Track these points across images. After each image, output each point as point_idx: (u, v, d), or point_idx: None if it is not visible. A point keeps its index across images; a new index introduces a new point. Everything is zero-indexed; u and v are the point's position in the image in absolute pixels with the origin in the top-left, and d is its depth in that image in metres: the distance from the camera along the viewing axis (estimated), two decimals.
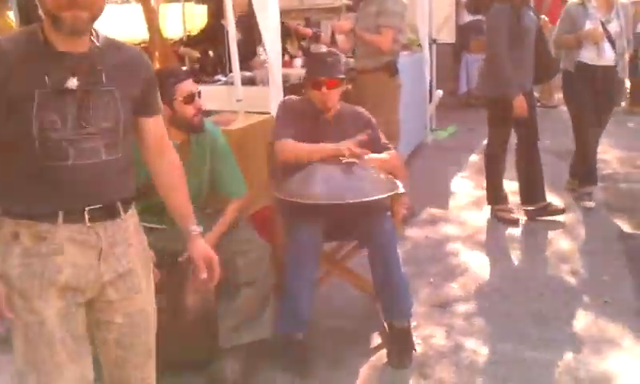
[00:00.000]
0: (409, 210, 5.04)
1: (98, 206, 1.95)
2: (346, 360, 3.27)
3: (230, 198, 3.18)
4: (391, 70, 4.92)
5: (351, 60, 5.23)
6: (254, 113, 4.23)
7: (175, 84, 2.99)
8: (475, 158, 6.61)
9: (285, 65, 5.47)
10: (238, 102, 4.22)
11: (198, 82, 4.72)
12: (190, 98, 3.02)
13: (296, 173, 3.22)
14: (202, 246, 2.33)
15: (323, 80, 3.34)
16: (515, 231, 4.79)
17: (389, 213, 3.33)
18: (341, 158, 3.23)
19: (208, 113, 4.10)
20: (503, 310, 3.67)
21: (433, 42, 7.30)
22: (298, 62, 5.59)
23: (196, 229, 2.33)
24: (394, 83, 4.98)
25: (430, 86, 7.20)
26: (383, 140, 3.55)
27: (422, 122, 6.76)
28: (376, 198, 3.07)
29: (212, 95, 4.26)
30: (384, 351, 3.28)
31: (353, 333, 3.51)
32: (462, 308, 3.73)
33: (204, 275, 2.30)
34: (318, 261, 3.21)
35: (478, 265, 4.25)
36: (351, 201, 3.01)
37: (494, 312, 3.66)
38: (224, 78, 5.01)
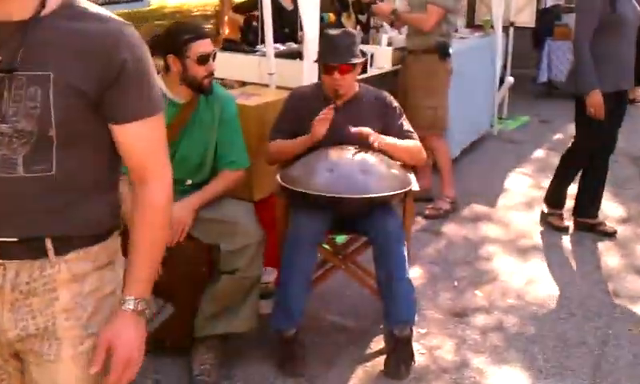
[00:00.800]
0: (452, 204, 4.74)
1: (10, 239, 1.42)
2: (340, 361, 3.06)
3: (230, 169, 3.00)
4: (441, 52, 4.57)
5: (402, 36, 4.92)
6: (287, 88, 4.01)
7: (190, 41, 2.85)
8: (541, 153, 6.16)
9: None
10: (270, 76, 4.00)
11: (236, 50, 4.64)
12: (203, 59, 2.87)
13: (302, 158, 3.01)
14: (116, 330, 1.51)
15: (335, 65, 3.09)
16: (562, 240, 4.38)
17: (397, 211, 3.06)
18: (350, 147, 2.99)
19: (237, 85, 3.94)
20: (525, 329, 3.34)
21: (510, 24, 6.84)
22: None
23: (128, 306, 1.52)
24: (443, 66, 4.63)
25: (503, 71, 6.77)
26: (407, 127, 3.27)
27: (487, 110, 6.34)
28: (378, 195, 2.81)
29: (244, 66, 4.07)
30: (383, 357, 3.04)
31: (354, 333, 3.29)
32: (479, 320, 3.42)
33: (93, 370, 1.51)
34: (315, 255, 2.99)
35: (510, 273, 3.91)
36: (350, 196, 2.77)
37: (514, 329, 3.34)
38: (282, 47, 4.80)
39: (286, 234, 3.00)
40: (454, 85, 4.84)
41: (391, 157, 3.11)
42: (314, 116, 3.13)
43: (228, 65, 4.28)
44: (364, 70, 4.70)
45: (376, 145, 3.02)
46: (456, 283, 3.78)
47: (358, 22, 5.58)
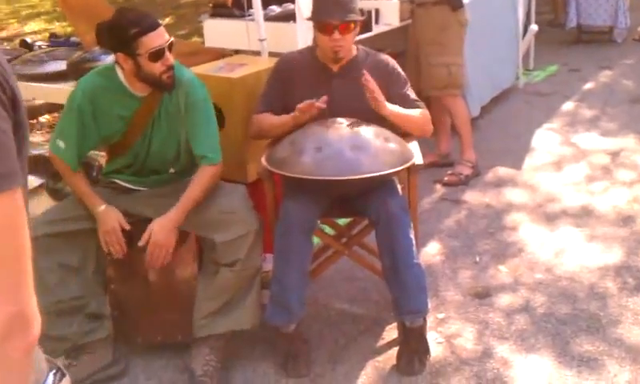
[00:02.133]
0: (473, 168, 4.36)
1: None
2: (347, 357, 2.76)
3: (203, 164, 2.66)
4: (454, 1, 4.15)
5: None
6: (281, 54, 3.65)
7: (137, 36, 2.48)
8: (571, 105, 5.70)
9: None
10: (261, 42, 3.64)
11: (225, 16, 4.27)
12: (157, 55, 2.51)
13: (287, 136, 2.67)
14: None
15: (334, 23, 2.72)
16: (601, 204, 3.97)
17: (399, 188, 2.71)
18: (341, 120, 2.64)
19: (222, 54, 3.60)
20: (555, 308, 2.99)
21: None
22: None
23: None
24: (457, 18, 4.20)
25: (527, 18, 6.29)
26: (413, 96, 2.91)
27: (510, 62, 5.87)
28: (375, 175, 2.46)
29: (234, 33, 3.72)
30: (396, 349, 2.73)
31: (364, 321, 2.98)
32: (504, 300, 3.07)
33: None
34: (309, 243, 2.66)
35: (539, 244, 3.53)
36: (338, 178, 2.43)
37: (542, 309, 2.99)
38: (278, 9, 4.44)
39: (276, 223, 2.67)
40: (471, 37, 4.41)
41: (396, 127, 2.76)
42: (306, 86, 2.80)
43: (217, 33, 3.93)
44: (368, 29, 4.34)
45: (387, 112, 2.69)
46: (477, 259, 3.43)
47: None
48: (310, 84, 2.83)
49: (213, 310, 2.63)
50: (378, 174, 2.48)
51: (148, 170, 2.78)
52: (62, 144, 2.67)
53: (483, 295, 3.12)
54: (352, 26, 2.76)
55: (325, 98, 2.64)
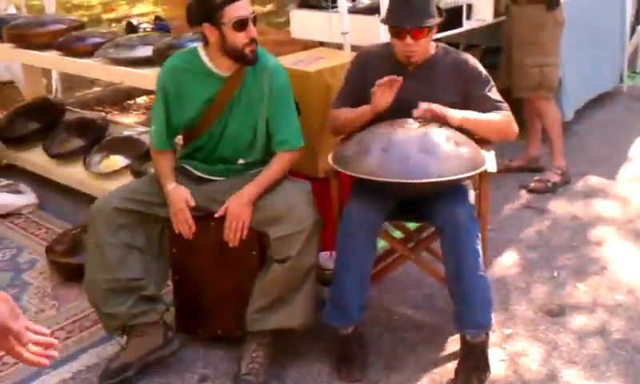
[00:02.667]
0: (562, 176, 4.15)
1: None
2: (404, 365, 2.69)
3: (282, 149, 2.68)
4: (550, 1, 3.94)
5: None
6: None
7: (223, 5, 2.52)
8: None
9: None
10: (343, 35, 3.58)
11: (312, 7, 4.24)
12: (241, 24, 2.54)
13: (356, 135, 2.62)
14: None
15: (407, 28, 2.63)
16: None
17: (469, 195, 2.60)
18: (412, 121, 2.56)
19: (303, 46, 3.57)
20: (632, 335, 2.80)
21: None
22: None
23: None
24: (553, 18, 3.99)
25: (635, 19, 5.92)
26: (494, 97, 2.77)
27: (613, 64, 5.54)
28: (441, 180, 2.37)
29: (318, 24, 3.68)
30: (455, 364, 2.63)
31: (427, 330, 2.89)
32: (578, 321, 2.91)
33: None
34: (372, 245, 2.60)
35: (623, 263, 3.32)
36: (402, 180, 2.35)
37: (618, 334, 2.80)
38: (366, 1, 4.38)
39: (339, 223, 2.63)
40: (569, 36, 4.20)
41: (474, 134, 2.65)
42: (379, 78, 2.72)
43: (303, 23, 3.91)
44: (458, 24, 4.20)
45: (455, 122, 2.58)
46: (556, 273, 3.26)
47: None
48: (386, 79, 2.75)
49: (264, 306, 2.63)
50: (443, 179, 2.38)
51: (218, 157, 2.79)
52: (152, 126, 2.78)
53: (556, 313, 2.96)
54: (426, 31, 2.65)
55: (400, 78, 2.56)
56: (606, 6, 5.22)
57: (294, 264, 2.54)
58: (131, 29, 7.69)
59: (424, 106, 2.58)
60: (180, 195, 2.65)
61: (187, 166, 2.82)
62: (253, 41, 2.58)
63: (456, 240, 2.49)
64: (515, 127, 2.78)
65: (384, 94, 2.60)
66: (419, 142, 2.43)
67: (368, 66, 2.82)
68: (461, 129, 2.62)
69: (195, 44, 2.87)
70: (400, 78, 2.57)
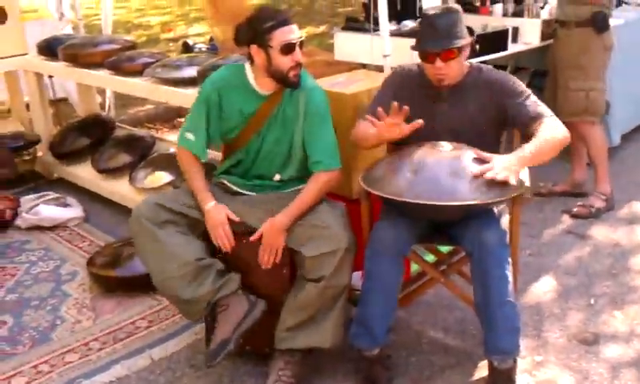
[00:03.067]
0: (606, 202, 4.06)
1: None
2: None
3: (317, 171, 2.71)
4: (598, 24, 3.88)
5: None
6: None
7: (272, 29, 2.59)
8: None
9: (480, 12, 4.70)
10: (384, 57, 3.61)
11: (355, 29, 4.28)
12: (288, 48, 2.60)
13: (387, 156, 2.63)
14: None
15: (437, 52, 2.63)
16: None
17: (500, 220, 2.56)
18: (444, 144, 2.55)
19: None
20: None
21: None
22: (499, 8, 4.71)
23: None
24: (601, 42, 3.93)
25: None
26: (533, 106, 2.63)
27: None
28: (469, 203, 2.36)
29: (360, 46, 3.71)
30: None
31: (456, 354, 2.86)
32: (613, 351, 2.83)
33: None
34: (399, 267, 2.59)
35: None
36: (434, 203, 2.34)
37: None
38: (412, 24, 4.40)
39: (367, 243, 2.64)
40: (620, 59, 4.14)
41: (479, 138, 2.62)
42: (413, 102, 2.72)
43: (346, 46, 3.95)
44: (503, 48, 4.18)
45: (512, 181, 2.42)
46: (592, 301, 3.19)
47: None
48: (416, 101, 2.75)
49: (294, 324, 2.64)
50: (471, 202, 2.37)
51: (254, 173, 2.84)
52: (191, 136, 2.81)
53: (591, 342, 2.89)
54: (455, 52, 2.63)
55: (405, 109, 2.53)
56: None
57: (327, 284, 2.55)
58: (187, 48, 7.90)
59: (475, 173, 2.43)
60: (220, 211, 2.69)
61: (225, 181, 2.88)
62: (298, 65, 2.64)
63: (484, 265, 2.46)
64: (565, 130, 2.60)
65: (392, 127, 2.57)
66: (449, 166, 2.42)
67: (402, 84, 2.82)
68: (495, 144, 2.59)
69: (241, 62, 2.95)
70: (420, 122, 2.56)
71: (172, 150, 4.62)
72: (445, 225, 2.65)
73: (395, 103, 2.54)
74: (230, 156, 2.88)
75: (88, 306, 3.33)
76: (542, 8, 4.59)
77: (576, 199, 4.16)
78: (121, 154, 4.62)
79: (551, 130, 2.56)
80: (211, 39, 7.75)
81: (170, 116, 6.60)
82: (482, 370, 2.72)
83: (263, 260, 2.66)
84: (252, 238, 2.67)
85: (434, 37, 2.61)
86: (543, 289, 3.30)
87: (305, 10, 12.00)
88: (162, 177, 4.26)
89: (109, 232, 4.11)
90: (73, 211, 4.33)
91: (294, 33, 2.63)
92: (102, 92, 5.83)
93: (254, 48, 2.64)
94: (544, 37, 4.44)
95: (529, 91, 2.72)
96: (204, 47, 7.71)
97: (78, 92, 5.37)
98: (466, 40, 2.65)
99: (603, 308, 3.13)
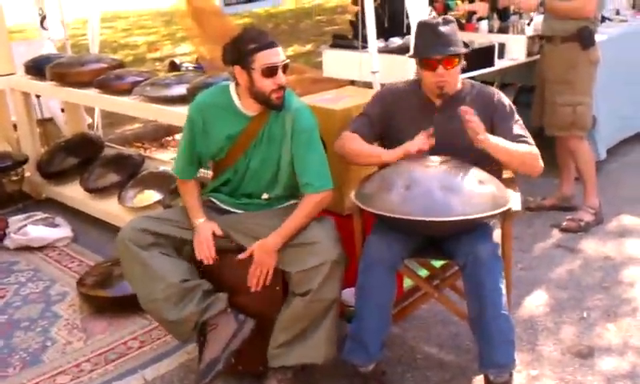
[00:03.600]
0: (595, 216, 4.09)
1: None
2: None
3: (307, 192, 2.70)
4: (584, 39, 3.92)
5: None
6: None
7: (255, 51, 2.59)
8: None
9: (466, 28, 4.74)
10: (373, 74, 3.63)
11: (343, 47, 4.30)
12: (270, 72, 2.60)
13: (379, 171, 2.63)
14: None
15: (438, 58, 2.65)
16: None
17: (492, 234, 2.57)
18: (435, 159, 2.56)
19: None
20: None
21: None
22: (485, 24, 4.76)
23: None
24: (587, 57, 3.96)
25: None
26: (519, 131, 2.74)
27: None
28: (463, 218, 2.37)
29: (348, 63, 3.73)
30: None
31: (451, 370, 2.85)
32: (607, 363, 2.84)
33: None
34: (392, 282, 2.60)
35: None
36: (427, 219, 2.35)
37: None
38: (399, 41, 4.43)
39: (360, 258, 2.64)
40: (604, 74, 4.18)
41: (497, 161, 2.64)
42: (407, 118, 2.75)
43: (334, 63, 3.97)
44: (489, 63, 4.22)
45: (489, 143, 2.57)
46: (585, 314, 3.19)
47: (493, 8, 4.99)
48: (411, 116, 2.78)
49: (285, 341, 2.63)
50: (465, 218, 2.38)
51: (242, 192, 2.84)
52: (177, 160, 2.86)
53: (585, 355, 2.90)
54: (456, 60, 2.68)
55: (431, 138, 2.61)
56: None
57: (314, 297, 2.54)
58: (174, 67, 7.90)
59: (469, 111, 2.57)
60: (208, 226, 2.70)
61: (214, 200, 2.88)
62: (281, 88, 2.63)
63: (478, 278, 2.47)
64: (540, 163, 2.73)
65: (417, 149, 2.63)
66: (442, 181, 2.44)
67: (393, 101, 2.83)
68: (488, 157, 2.61)
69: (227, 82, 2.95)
70: (424, 147, 2.62)
71: (161, 168, 4.61)
72: (437, 239, 2.65)
73: (423, 132, 2.63)
74: (218, 175, 2.88)
75: (79, 327, 3.30)
76: (528, 25, 4.65)
77: (565, 213, 4.18)
78: (109, 174, 4.60)
79: (529, 152, 2.68)
80: (198, 58, 7.76)
81: (158, 135, 6.59)
82: None
83: (252, 282, 2.65)
84: (241, 256, 2.66)
85: (436, 44, 2.63)
86: (536, 303, 3.31)
87: (291, 28, 12.05)
88: (152, 195, 4.24)
89: (98, 252, 4.08)
90: (61, 231, 4.29)
91: (277, 56, 2.62)
92: (90, 111, 5.80)
93: (237, 69, 2.64)
94: (530, 53, 4.48)
95: (516, 114, 2.79)
96: (191, 66, 7.71)
97: (66, 111, 5.35)
98: (466, 49, 2.68)
99: (596, 321, 3.14)
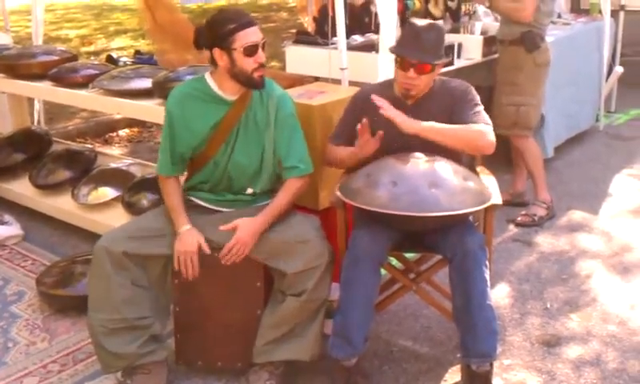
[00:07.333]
0: (548, 210, 4.24)
1: None
2: None
3: (292, 176, 2.70)
4: (527, 43, 4.06)
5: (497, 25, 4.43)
6: (361, 84, 3.65)
7: (235, 31, 2.56)
8: None
9: None
10: (342, 71, 3.65)
11: (308, 43, 4.31)
12: (251, 50, 2.58)
13: (365, 166, 2.66)
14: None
15: (414, 62, 2.69)
16: None
17: (476, 225, 2.65)
18: (420, 155, 2.60)
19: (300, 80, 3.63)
20: (628, 365, 2.85)
21: (620, 8, 6.21)
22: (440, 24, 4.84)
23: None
24: (532, 60, 4.10)
25: (612, 60, 6.13)
26: (477, 117, 2.72)
27: (591, 103, 5.72)
28: (452, 213, 2.42)
29: (316, 60, 3.74)
30: None
31: (427, 361, 2.91)
32: (573, 351, 2.96)
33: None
34: (377, 275, 2.63)
35: (613, 295, 3.40)
36: (415, 214, 2.39)
37: (613, 364, 2.86)
38: (360, 39, 4.46)
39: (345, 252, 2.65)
40: (551, 75, 4.33)
41: (443, 145, 2.65)
42: (381, 118, 2.77)
43: (299, 59, 3.97)
44: (450, 63, 4.30)
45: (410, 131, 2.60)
46: (548, 305, 3.32)
47: (447, 9, 5.12)
48: (384, 117, 2.80)
49: (273, 338, 2.63)
50: (455, 212, 2.43)
51: (224, 187, 2.79)
52: (159, 156, 2.78)
53: (552, 344, 3.01)
54: (430, 68, 2.71)
55: (380, 133, 2.62)
56: (586, 48, 5.42)
57: (308, 298, 2.56)
58: (112, 61, 7.70)
59: (383, 104, 2.62)
60: (193, 238, 2.62)
61: (194, 199, 2.82)
62: (261, 66, 2.62)
63: (466, 269, 2.53)
64: (490, 139, 2.66)
65: (368, 142, 2.65)
66: (428, 176, 2.48)
67: (367, 103, 2.84)
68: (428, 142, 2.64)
69: (191, 77, 2.90)
70: (380, 134, 2.63)
71: (114, 164, 4.49)
72: (419, 233, 2.70)
73: (364, 120, 2.61)
74: (197, 171, 2.80)
75: (40, 327, 3.19)
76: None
77: (519, 208, 4.32)
78: (61, 170, 4.44)
79: (473, 130, 2.65)
80: (136, 53, 7.59)
81: (101, 130, 6.41)
82: (454, 375, 2.80)
83: (225, 258, 2.60)
84: (223, 228, 2.62)
85: (415, 47, 2.66)
86: (500, 294, 3.41)
87: None
88: (107, 193, 4.13)
89: (50, 250, 3.96)
90: (11, 229, 4.13)
91: (257, 34, 2.61)
92: (29, 105, 5.59)
93: (216, 52, 2.60)
94: (486, 53, 4.60)
95: (479, 105, 2.80)
96: (129, 60, 7.54)
97: (10, 105, 5.13)
98: (442, 60, 2.72)
99: (559, 311, 3.27)
